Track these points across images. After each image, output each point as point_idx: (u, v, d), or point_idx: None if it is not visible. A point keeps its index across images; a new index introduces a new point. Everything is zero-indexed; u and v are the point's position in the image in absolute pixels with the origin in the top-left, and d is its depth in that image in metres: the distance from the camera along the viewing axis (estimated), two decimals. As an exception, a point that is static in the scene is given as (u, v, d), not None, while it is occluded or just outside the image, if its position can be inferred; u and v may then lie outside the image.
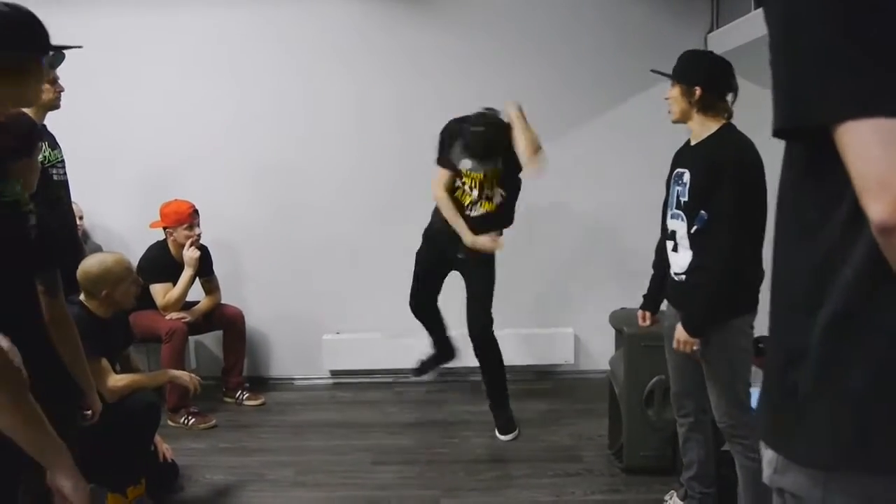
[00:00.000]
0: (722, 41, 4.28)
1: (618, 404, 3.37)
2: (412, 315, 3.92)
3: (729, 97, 2.52)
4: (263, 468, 3.48)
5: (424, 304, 3.87)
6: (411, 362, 4.50)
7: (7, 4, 1.73)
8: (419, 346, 4.52)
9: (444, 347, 4.02)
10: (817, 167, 0.92)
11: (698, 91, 2.46)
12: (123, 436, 2.80)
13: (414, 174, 4.10)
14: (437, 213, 3.69)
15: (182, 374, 3.32)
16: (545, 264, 4.61)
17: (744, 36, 4.02)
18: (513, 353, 4.59)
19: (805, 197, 0.97)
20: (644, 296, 2.98)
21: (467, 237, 3.56)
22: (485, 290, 3.72)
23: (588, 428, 3.86)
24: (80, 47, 1.85)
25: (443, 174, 3.59)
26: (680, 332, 2.51)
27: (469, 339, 3.75)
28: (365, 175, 4.53)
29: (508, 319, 4.57)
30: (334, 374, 4.67)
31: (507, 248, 4.53)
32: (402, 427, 3.93)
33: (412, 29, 4.42)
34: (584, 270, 4.60)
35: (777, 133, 0.92)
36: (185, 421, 3.86)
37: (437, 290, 3.86)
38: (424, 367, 4.08)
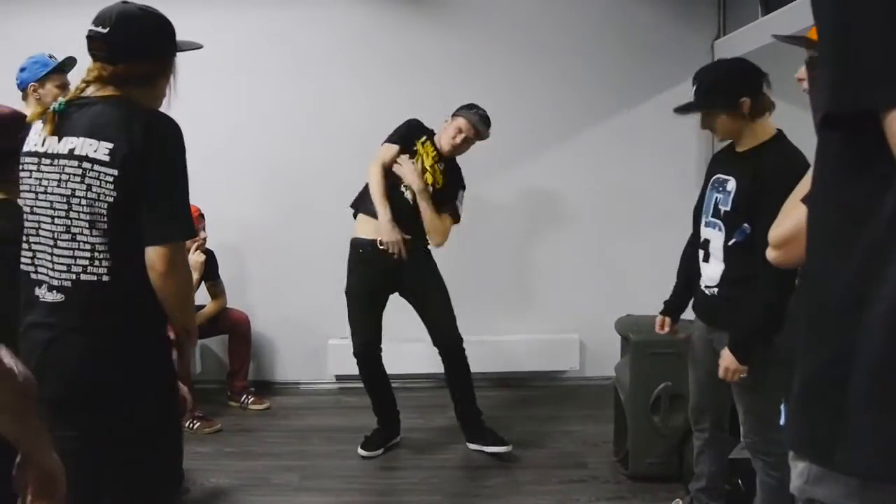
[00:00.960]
0: (729, 48, 4.28)
1: (623, 411, 3.36)
2: (359, 367, 3.70)
3: (765, 88, 2.38)
4: (268, 473, 3.47)
5: (372, 343, 3.64)
6: (416, 367, 4.54)
7: (146, 8, 1.83)
8: (423, 351, 4.52)
9: (391, 420, 3.76)
10: (861, 158, 0.87)
11: (747, 102, 2.32)
12: None
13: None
14: (356, 238, 3.64)
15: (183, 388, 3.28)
16: (550, 269, 4.61)
17: (751, 43, 4.03)
18: (517, 359, 4.62)
19: (846, 191, 0.90)
20: (665, 302, 2.83)
21: (384, 219, 3.40)
22: (444, 300, 3.57)
23: (593, 434, 3.85)
24: (200, 47, 1.91)
25: (388, 152, 3.52)
26: (729, 361, 2.32)
27: (439, 355, 3.67)
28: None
29: (513, 325, 4.59)
30: (340, 378, 4.66)
31: (511, 253, 4.58)
32: (407, 432, 3.92)
33: (417, 31, 4.43)
34: (589, 276, 4.59)
35: (823, 120, 0.87)
36: (191, 425, 3.86)
37: (380, 326, 3.67)
38: (372, 444, 3.67)
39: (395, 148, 3.51)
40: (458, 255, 3.88)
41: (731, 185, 2.37)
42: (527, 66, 4.46)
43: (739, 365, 2.31)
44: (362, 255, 3.56)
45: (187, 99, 4.41)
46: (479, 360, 3.87)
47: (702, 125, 2.47)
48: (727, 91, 2.33)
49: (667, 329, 2.79)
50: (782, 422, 1.16)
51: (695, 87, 2.40)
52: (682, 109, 2.45)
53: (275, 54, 4.45)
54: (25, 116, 1.99)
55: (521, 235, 4.56)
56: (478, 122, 3.50)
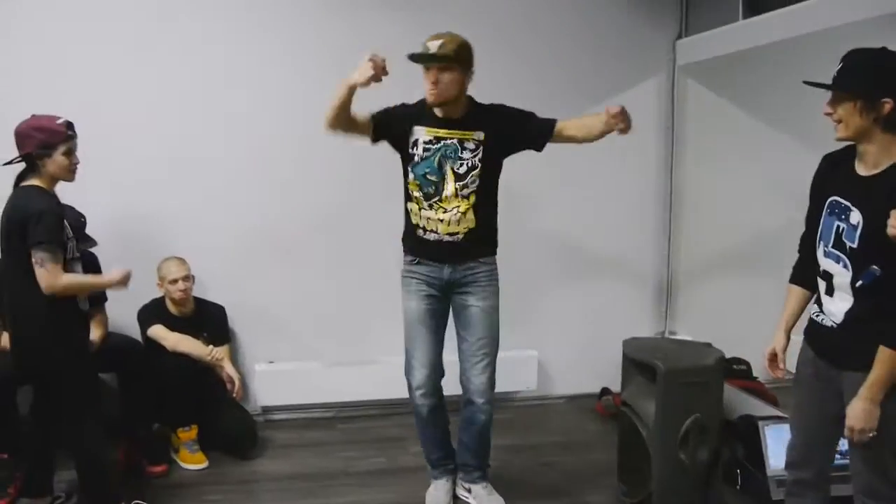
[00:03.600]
0: (693, 49, 4.10)
1: (633, 443, 3.03)
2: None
3: None
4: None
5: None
6: (354, 394, 3.97)
7: None
8: (363, 376, 3.97)
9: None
10: None
11: (889, 105, 1.92)
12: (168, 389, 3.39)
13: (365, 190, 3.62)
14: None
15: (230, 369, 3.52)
16: (505, 281, 4.19)
17: (722, 46, 3.86)
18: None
19: None
20: (781, 337, 2.33)
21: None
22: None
23: (579, 465, 3.51)
24: None
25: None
26: (859, 415, 1.99)
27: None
28: (311, 178, 3.90)
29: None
30: (266, 409, 3.97)
31: None
32: (374, 476, 3.36)
33: (375, 19, 3.82)
34: (548, 287, 4.24)
35: None
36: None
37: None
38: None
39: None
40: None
41: (856, 217, 2.01)
42: (489, 58, 3.99)
43: (868, 421, 1.98)
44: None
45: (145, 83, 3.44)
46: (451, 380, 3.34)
47: (827, 105, 2.03)
48: (871, 81, 1.95)
49: (782, 369, 2.33)
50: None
51: (840, 66, 2.01)
52: (815, 83, 2.04)
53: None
54: None
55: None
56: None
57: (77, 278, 2.64)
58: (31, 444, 2.89)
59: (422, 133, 2.81)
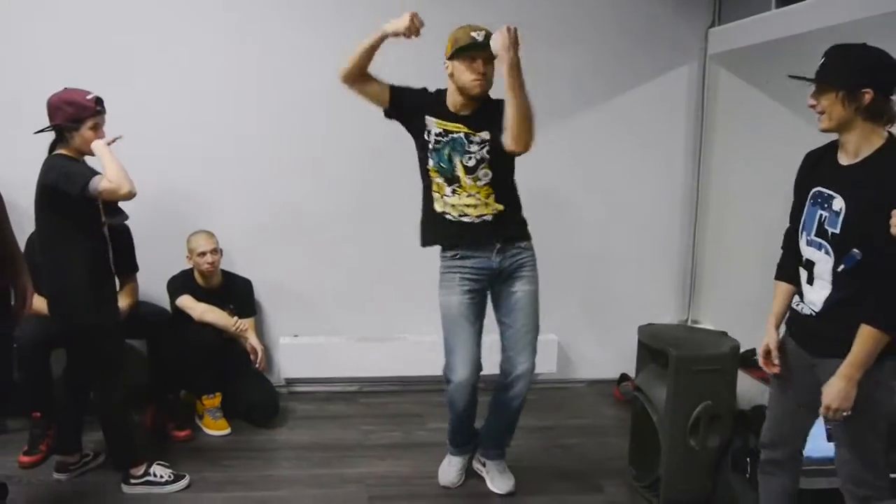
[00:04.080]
0: (725, 38, 4.07)
1: (651, 431, 3.06)
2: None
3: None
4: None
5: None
6: (376, 370, 4.05)
7: None
8: (385, 352, 4.05)
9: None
10: None
11: (868, 95, 2.00)
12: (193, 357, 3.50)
13: (391, 167, 3.60)
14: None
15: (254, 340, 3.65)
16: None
17: (753, 35, 3.82)
18: (487, 363, 4.21)
19: None
20: (772, 328, 2.37)
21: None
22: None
23: (594, 449, 3.55)
24: None
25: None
26: (836, 394, 2.02)
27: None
28: (339, 155, 3.97)
29: (486, 325, 4.18)
30: (290, 382, 4.08)
31: None
32: (389, 450, 3.44)
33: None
34: (570, 273, 4.26)
35: None
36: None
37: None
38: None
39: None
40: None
41: (839, 204, 2.06)
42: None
43: (849, 394, 2.02)
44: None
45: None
46: None
47: (811, 97, 2.10)
48: (852, 73, 2.03)
49: (776, 365, 2.34)
50: None
51: (822, 60, 2.09)
52: (799, 77, 2.12)
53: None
54: None
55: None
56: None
57: (112, 165, 2.63)
58: (62, 405, 3.04)
59: (433, 124, 2.81)
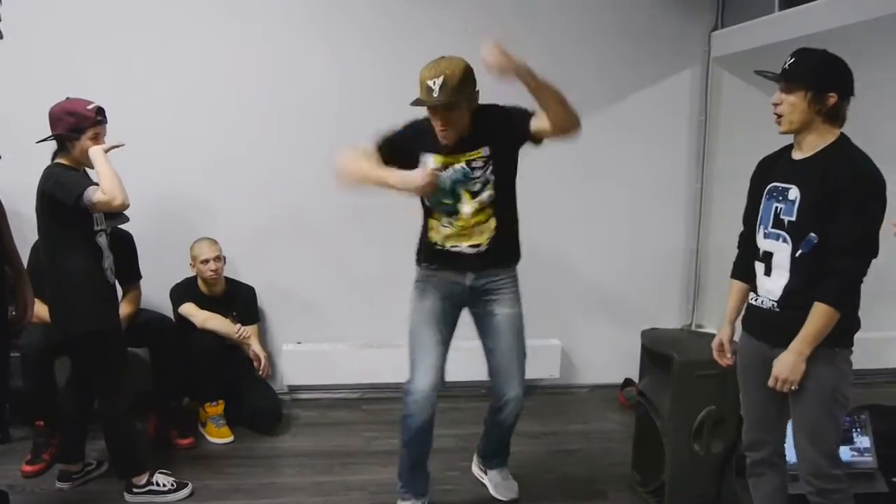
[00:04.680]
0: (728, 41, 4.06)
1: (655, 436, 3.04)
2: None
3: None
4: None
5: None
6: (379, 377, 4.04)
7: None
8: (388, 359, 4.04)
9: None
10: None
11: (833, 98, 2.13)
12: (196, 365, 3.51)
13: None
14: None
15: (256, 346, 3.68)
16: (531, 270, 4.21)
17: (755, 38, 3.81)
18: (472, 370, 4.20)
19: None
20: (728, 323, 2.55)
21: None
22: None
23: (597, 455, 3.53)
24: None
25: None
26: (785, 365, 2.15)
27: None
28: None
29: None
30: (292, 389, 4.08)
31: None
32: (391, 457, 3.39)
33: (404, 3, 3.88)
34: (573, 277, 4.25)
35: None
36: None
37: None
38: None
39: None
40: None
41: (794, 193, 2.19)
42: (518, 46, 3.99)
43: (796, 366, 2.13)
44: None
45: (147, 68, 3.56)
46: (453, 367, 3.29)
47: (777, 95, 2.20)
48: (821, 76, 2.14)
49: (729, 358, 2.52)
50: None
51: (792, 60, 2.18)
52: (765, 74, 2.25)
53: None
54: None
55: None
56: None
57: (108, 173, 2.61)
58: (66, 414, 3.05)
59: (430, 160, 2.68)
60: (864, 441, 2.99)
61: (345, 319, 4.12)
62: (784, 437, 2.44)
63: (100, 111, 2.73)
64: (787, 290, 2.21)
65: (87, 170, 2.78)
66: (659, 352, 3.05)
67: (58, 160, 2.74)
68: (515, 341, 2.86)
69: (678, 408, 2.92)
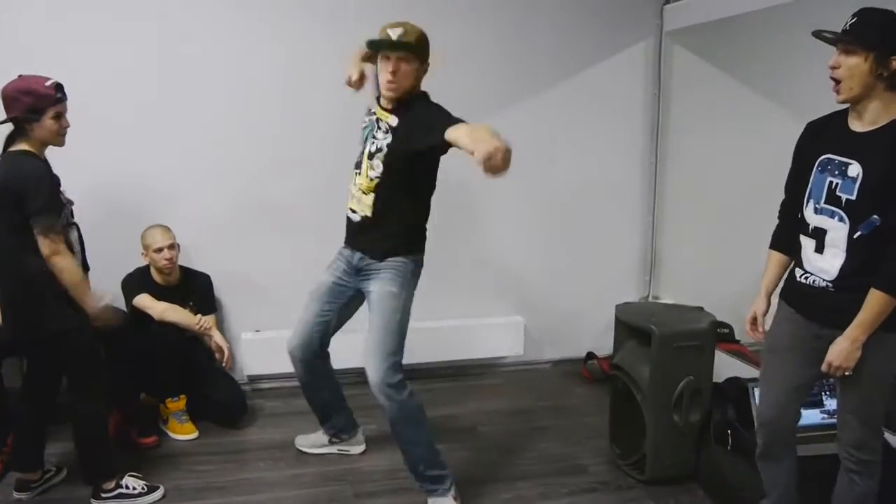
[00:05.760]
0: (682, 15, 4.08)
1: (626, 407, 3.08)
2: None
3: None
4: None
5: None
6: (339, 362, 3.91)
7: None
8: (346, 343, 3.92)
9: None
10: None
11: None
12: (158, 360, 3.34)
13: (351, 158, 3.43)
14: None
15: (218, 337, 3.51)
16: (491, 249, 4.19)
17: (708, 13, 3.85)
18: (457, 347, 4.17)
19: None
20: (762, 298, 2.40)
21: None
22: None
23: (571, 429, 3.55)
24: None
25: None
26: (840, 352, 2.07)
27: None
28: (297, 144, 3.82)
29: (451, 309, 4.13)
30: (252, 379, 3.93)
31: (450, 228, 3.92)
32: (368, 443, 3.35)
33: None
34: (533, 254, 4.24)
35: None
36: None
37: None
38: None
39: None
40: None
41: (855, 170, 2.03)
42: (476, 22, 3.94)
43: (847, 360, 2.07)
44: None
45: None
46: (417, 348, 3.24)
47: (834, 59, 2.03)
48: (887, 38, 1.96)
49: (762, 333, 2.39)
50: None
51: (853, 20, 2.01)
52: (822, 34, 2.04)
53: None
54: None
55: (454, 208, 4.04)
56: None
57: (70, 270, 2.51)
58: (21, 418, 2.83)
59: (370, 110, 2.78)
60: (832, 403, 3.10)
61: (302, 305, 3.97)
62: (799, 416, 2.41)
63: (59, 87, 2.50)
64: (844, 270, 2.09)
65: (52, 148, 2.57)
66: (636, 325, 3.07)
67: (20, 146, 2.48)
68: (380, 318, 2.71)
69: (657, 380, 2.95)
